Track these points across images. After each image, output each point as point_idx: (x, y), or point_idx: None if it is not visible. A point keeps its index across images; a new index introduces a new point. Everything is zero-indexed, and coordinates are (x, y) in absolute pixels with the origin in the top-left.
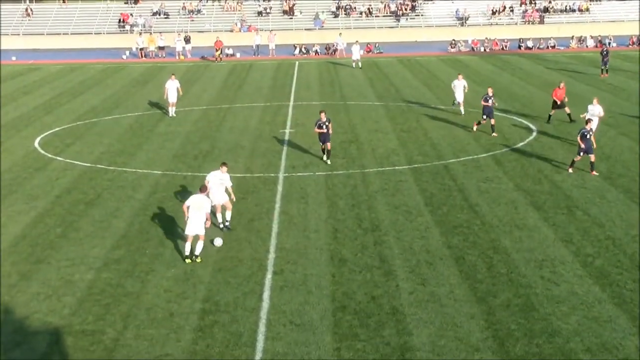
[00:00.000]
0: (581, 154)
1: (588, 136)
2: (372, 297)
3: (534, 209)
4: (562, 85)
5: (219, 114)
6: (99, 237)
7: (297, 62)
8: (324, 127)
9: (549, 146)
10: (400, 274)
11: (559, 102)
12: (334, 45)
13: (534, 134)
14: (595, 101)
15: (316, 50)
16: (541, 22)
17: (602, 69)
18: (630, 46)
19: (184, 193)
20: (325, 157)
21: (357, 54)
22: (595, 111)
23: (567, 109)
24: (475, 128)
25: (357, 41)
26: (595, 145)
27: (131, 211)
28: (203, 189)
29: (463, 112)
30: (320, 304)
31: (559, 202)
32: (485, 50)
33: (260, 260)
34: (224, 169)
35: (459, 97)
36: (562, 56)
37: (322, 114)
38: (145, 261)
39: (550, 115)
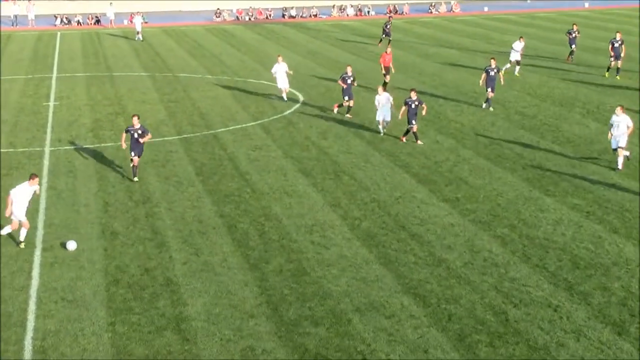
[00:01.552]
0: (410, 122)
1: (413, 106)
2: (146, 270)
3: (303, 175)
4: (388, 50)
5: None
6: None
7: (58, 33)
8: (137, 135)
9: (315, 113)
10: (173, 245)
11: (386, 67)
12: (104, 15)
13: (300, 102)
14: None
15: (78, 21)
16: None
17: (381, 38)
18: (387, 14)
19: None
20: (134, 175)
21: (139, 25)
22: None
23: (387, 78)
24: (335, 110)
25: (138, 12)
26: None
27: None
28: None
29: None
30: (92, 279)
31: (326, 168)
32: (250, 19)
33: (28, 237)
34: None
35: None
36: (324, 24)
37: (135, 119)
38: None
39: (386, 83)
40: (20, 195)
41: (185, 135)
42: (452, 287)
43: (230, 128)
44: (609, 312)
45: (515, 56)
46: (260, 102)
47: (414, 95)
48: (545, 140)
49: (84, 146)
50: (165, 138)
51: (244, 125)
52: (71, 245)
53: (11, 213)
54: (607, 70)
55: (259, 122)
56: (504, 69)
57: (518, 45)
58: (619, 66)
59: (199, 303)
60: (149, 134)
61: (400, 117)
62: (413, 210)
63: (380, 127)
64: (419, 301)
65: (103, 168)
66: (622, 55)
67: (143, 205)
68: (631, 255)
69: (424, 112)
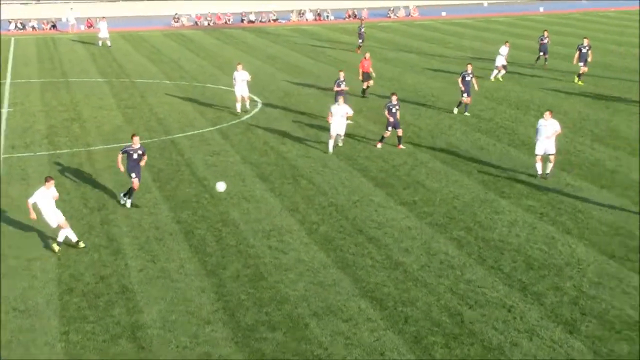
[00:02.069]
0: (389, 128)
1: (394, 110)
2: (101, 277)
3: (261, 180)
4: (367, 56)
5: None
6: None
7: (12, 38)
8: (137, 155)
9: (274, 117)
10: (129, 252)
11: (364, 74)
12: (60, 20)
13: (259, 106)
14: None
15: (33, 26)
16: None
17: (360, 45)
18: (346, 19)
19: None
20: (128, 200)
21: (105, 31)
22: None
23: (368, 83)
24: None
25: (103, 17)
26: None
27: None
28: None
29: None
30: (45, 288)
31: (284, 173)
32: (208, 24)
33: None
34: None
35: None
36: (283, 29)
37: (136, 138)
38: None
39: (364, 89)
40: (42, 201)
41: (142, 141)
42: (409, 290)
43: (188, 133)
44: (561, 312)
45: (501, 61)
46: (219, 107)
47: (394, 99)
48: (501, 143)
49: (39, 153)
50: (122, 144)
51: (202, 130)
52: (221, 187)
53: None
54: (578, 77)
55: (217, 127)
56: (493, 75)
57: (504, 50)
58: (583, 71)
59: (154, 310)
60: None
61: (391, 119)
62: (371, 214)
63: (331, 142)
64: (375, 304)
65: (58, 175)
66: (589, 60)
67: (98, 212)
68: (583, 255)
69: (397, 116)
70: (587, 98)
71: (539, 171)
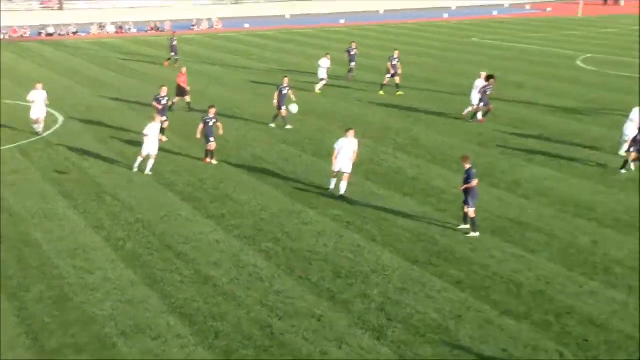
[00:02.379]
0: (210, 140)
1: (211, 123)
2: None
3: (64, 198)
4: (183, 70)
5: None
6: None
7: None
8: None
9: (77, 133)
10: None
11: (183, 88)
12: None
13: (60, 121)
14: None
15: None
16: (61, 8)
17: (170, 58)
18: (149, 32)
19: None
20: None
21: None
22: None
23: (188, 98)
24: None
25: None
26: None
27: None
28: None
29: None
30: None
31: (88, 189)
32: (4, 37)
33: None
34: None
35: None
36: (82, 42)
37: None
38: None
39: (173, 103)
40: None
41: None
42: (219, 304)
43: None
44: (369, 318)
45: (322, 73)
46: (17, 124)
47: (212, 113)
48: (307, 154)
49: None
50: None
51: None
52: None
53: None
54: (382, 88)
55: (16, 144)
56: (318, 87)
57: (325, 62)
58: (397, 82)
59: None
60: None
61: (198, 136)
62: (178, 229)
63: (139, 160)
64: (185, 320)
65: None
66: (399, 72)
67: None
68: (388, 262)
69: (220, 132)
70: (389, 108)
71: (332, 186)
